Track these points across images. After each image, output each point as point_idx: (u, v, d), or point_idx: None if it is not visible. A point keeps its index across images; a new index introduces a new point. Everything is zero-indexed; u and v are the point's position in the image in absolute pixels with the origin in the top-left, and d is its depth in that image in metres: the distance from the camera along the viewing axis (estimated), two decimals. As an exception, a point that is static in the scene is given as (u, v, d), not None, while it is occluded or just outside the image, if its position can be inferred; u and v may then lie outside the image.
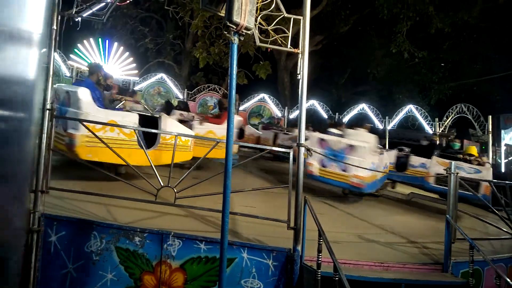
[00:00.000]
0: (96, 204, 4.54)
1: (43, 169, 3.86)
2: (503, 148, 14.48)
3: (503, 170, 14.17)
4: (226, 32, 3.22)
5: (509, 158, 14.54)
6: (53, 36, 3.84)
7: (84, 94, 5.22)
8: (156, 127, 6.02)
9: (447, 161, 8.18)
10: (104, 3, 4.19)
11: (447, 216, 4.75)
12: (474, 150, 9.04)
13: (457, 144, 9.53)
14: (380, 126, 18.34)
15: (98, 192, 4.34)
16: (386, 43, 18.36)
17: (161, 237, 3.91)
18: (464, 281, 4.32)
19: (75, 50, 16.89)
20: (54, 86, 5.36)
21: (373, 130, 10.63)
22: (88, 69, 6.22)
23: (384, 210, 7.16)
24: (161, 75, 18.56)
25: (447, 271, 4.51)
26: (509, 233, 5.47)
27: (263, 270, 4.04)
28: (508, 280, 3.95)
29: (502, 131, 14.60)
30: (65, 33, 3.99)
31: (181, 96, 18.14)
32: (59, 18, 3.89)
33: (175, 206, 4.41)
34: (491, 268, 4.26)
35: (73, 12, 4.03)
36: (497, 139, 14.33)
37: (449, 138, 13.09)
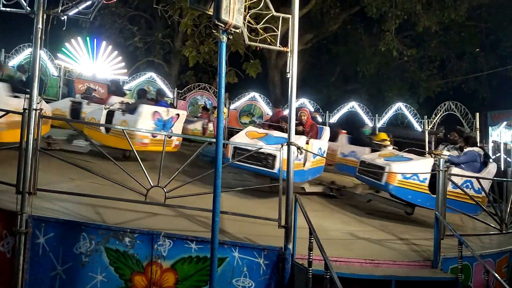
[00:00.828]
0: (85, 205, 4.50)
1: (30, 170, 3.80)
2: (490, 145, 14.67)
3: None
4: (214, 31, 3.20)
5: (497, 155, 14.74)
6: (39, 35, 3.77)
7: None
8: None
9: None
10: (90, 2, 4.13)
11: (436, 212, 4.80)
12: (384, 135, 9.03)
13: (367, 130, 9.56)
14: (370, 124, 18.46)
15: (87, 193, 4.29)
16: (375, 42, 18.48)
17: (152, 237, 3.87)
18: (454, 277, 4.37)
19: (63, 49, 16.67)
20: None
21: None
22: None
23: (374, 208, 7.21)
24: (151, 74, 18.42)
25: (436, 267, 4.56)
26: (497, 229, 5.56)
27: (255, 269, 4.03)
28: (496, 275, 4.01)
29: (490, 128, 14.78)
30: (52, 32, 3.93)
31: (171, 95, 18.03)
32: (45, 16, 3.83)
33: (165, 206, 4.38)
34: (480, 264, 4.33)
35: (59, 11, 3.96)
36: (484, 136, 14.50)
37: (438, 135, 13.23)
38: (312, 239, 3.74)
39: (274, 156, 5.84)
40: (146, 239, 3.87)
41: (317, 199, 7.25)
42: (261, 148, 5.83)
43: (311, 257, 3.73)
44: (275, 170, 5.85)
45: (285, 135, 6.45)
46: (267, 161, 5.96)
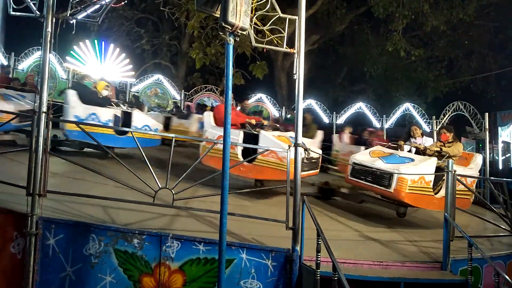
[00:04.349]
0: (94, 206, 4.53)
1: (40, 172, 3.84)
2: (500, 145, 14.51)
3: (500, 167, 14.21)
4: (221, 33, 3.21)
5: (507, 155, 14.57)
6: (48, 39, 3.82)
7: None
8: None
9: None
10: (98, 5, 4.17)
11: (445, 214, 4.76)
12: (102, 84, 7.91)
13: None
14: (378, 124, 18.36)
15: (96, 195, 4.33)
16: (382, 42, 18.41)
17: (160, 238, 3.89)
18: (463, 279, 4.33)
19: (71, 52, 16.83)
20: None
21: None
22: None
23: (382, 208, 7.16)
24: (158, 76, 18.53)
25: (446, 269, 4.52)
26: (508, 230, 5.50)
27: (262, 271, 4.03)
28: (507, 277, 3.97)
29: (499, 128, 14.61)
30: (61, 35, 3.97)
31: (178, 97, 18.11)
32: (54, 20, 3.87)
33: (173, 207, 4.40)
34: (490, 266, 4.28)
35: (68, 15, 4.00)
36: (494, 137, 14.34)
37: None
38: (320, 241, 3.73)
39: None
40: (154, 241, 3.89)
41: (324, 201, 7.22)
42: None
43: (319, 258, 3.72)
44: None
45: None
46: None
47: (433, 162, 6.02)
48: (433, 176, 5.89)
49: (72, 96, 6.97)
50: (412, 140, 7.24)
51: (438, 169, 6.04)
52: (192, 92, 18.89)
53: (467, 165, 6.53)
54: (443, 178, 5.89)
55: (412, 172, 5.70)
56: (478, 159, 6.57)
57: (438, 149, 6.54)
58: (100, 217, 4.30)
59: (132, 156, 8.01)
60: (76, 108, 6.95)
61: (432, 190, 5.95)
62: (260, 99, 19.19)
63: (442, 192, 5.97)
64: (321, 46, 20.55)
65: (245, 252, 4.02)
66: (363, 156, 6.64)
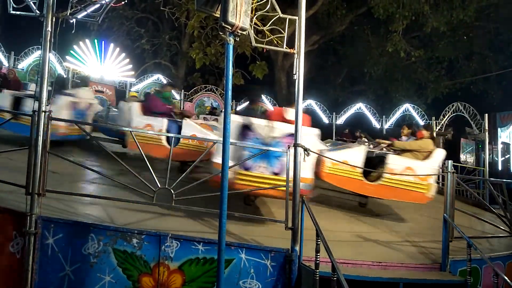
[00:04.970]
0: (94, 206, 4.53)
1: (40, 171, 3.83)
2: (499, 146, 14.51)
3: (500, 168, 14.21)
4: (221, 33, 3.21)
5: (506, 156, 14.57)
6: (48, 38, 3.82)
7: None
8: None
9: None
10: (98, 5, 4.17)
11: (445, 215, 4.77)
12: None
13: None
14: (377, 125, 18.37)
15: (95, 194, 4.33)
16: (382, 42, 18.38)
17: (159, 238, 3.89)
18: (462, 280, 4.34)
19: (71, 51, 16.83)
20: None
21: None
22: None
23: (381, 209, 7.16)
24: (158, 76, 18.52)
25: (445, 269, 4.52)
26: (507, 231, 5.50)
27: (262, 271, 4.03)
28: (506, 278, 3.97)
29: (499, 129, 14.60)
30: (61, 35, 3.97)
31: (178, 97, 18.11)
32: (54, 19, 3.87)
33: (173, 207, 4.40)
34: (489, 266, 4.28)
35: (68, 14, 4.00)
36: (493, 138, 14.31)
37: (446, 136, 13.11)
38: (319, 241, 3.73)
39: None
40: (153, 240, 3.89)
41: (323, 201, 7.22)
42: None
43: (318, 259, 3.72)
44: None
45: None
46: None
47: (361, 149, 6.41)
48: (360, 161, 6.19)
49: None
50: (399, 138, 7.62)
51: (381, 158, 6.49)
52: (192, 92, 18.88)
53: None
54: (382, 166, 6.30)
55: (335, 155, 6.05)
56: (438, 153, 6.59)
57: (389, 142, 7.00)
58: (99, 216, 4.30)
59: (132, 156, 8.01)
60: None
61: (360, 174, 6.20)
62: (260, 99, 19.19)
63: (380, 181, 6.24)
64: (321, 47, 20.53)
65: (244, 252, 4.02)
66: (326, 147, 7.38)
